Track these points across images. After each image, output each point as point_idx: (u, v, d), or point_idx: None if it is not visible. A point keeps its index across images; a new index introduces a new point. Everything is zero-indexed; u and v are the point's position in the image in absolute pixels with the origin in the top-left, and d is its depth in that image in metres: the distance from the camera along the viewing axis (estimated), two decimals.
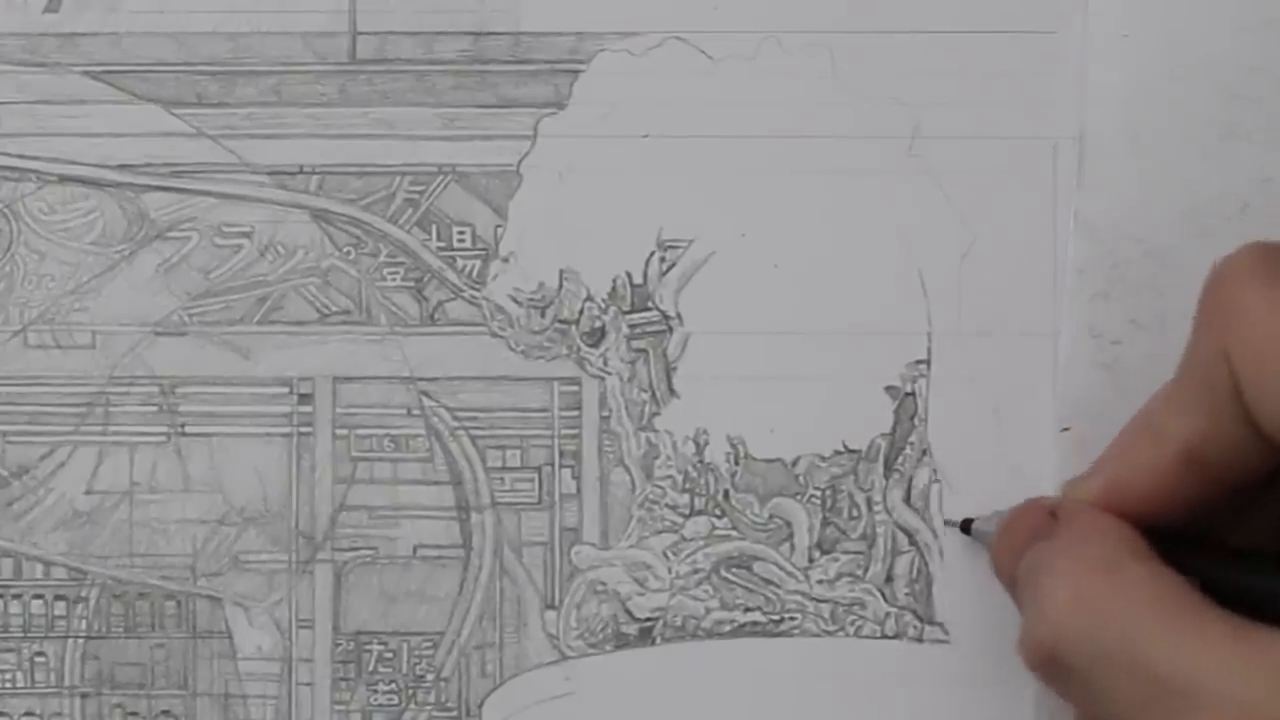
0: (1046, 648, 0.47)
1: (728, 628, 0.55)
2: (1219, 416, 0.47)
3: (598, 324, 0.55)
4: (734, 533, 0.55)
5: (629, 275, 0.55)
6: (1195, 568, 0.47)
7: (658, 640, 0.55)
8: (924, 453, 0.55)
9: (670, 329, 0.55)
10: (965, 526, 0.54)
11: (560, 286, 0.55)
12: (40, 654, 0.55)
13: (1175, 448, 0.48)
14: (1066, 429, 0.54)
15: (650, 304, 0.55)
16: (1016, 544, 0.50)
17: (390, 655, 0.55)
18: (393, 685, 0.55)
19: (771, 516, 0.55)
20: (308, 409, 0.55)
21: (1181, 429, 0.48)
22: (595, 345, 0.55)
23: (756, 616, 0.55)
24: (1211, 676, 0.44)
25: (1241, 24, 0.50)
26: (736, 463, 0.55)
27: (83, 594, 0.55)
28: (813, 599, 0.55)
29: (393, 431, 0.55)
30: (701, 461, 0.55)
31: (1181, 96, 0.54)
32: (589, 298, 0.55)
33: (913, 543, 0.55)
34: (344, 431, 0.55)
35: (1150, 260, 0.54)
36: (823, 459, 0.55)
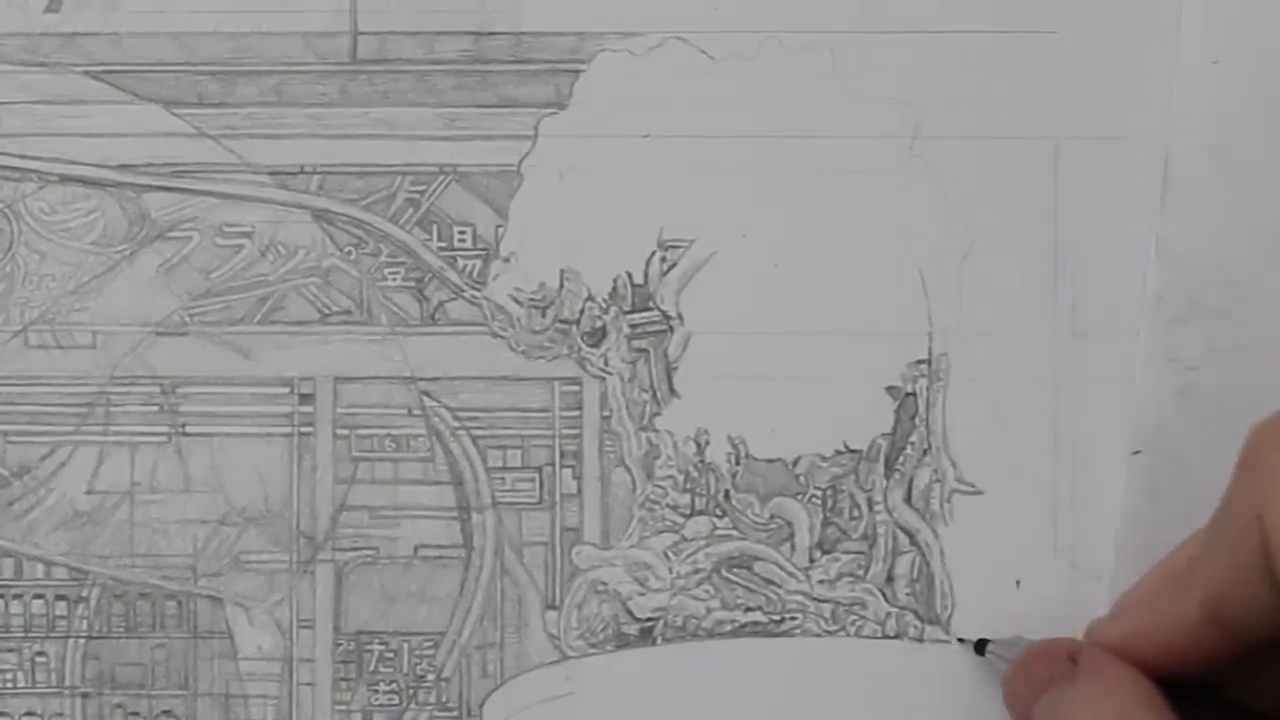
0: None
1: (728, 628, 0.55)
2: (1246, 577, 0.47)
3: (598, 324, 0.55)
4: (735, 533, 0.55)
5: (630, 275, 0.55)
6: None
7: (658, 640, 0.55)
8: (925, 452, 0.55)
9: (671, 329, 0.55)
10: (980, 647, 0.54)
11: (561, 286, 0.55)
12: (41, 654, 0.55)
13: (1199, 604, 0.48)
14: (1138, 452, 0.54)
15: (651, 304, 0.55)
16: (1034, 683, 0.51)
17: (391, 655, 0.55)
18: (393, 685, 0.55)
19: (772, 516, 0.55)
20: (308, 409, 0.55)
21: (1208, 585, 0.48)
22: (596, 345, 0.55)
23: (757, 616, 0.55)
24: None
25: None
26: (737, 463, 0.55)
27: (83, 594, 0.55)
28: (813, 599, 0.55)
29: (394, 431, 0.56)
30: (702, 461, 0.55)
31: (1268, 124, 0.53)
32: (590, 298, 0.55)
33: (913, 543, 0.55)
34: (345, 431, 0.55)
35: (1230, 287, 0.54)
36: (823, 459, 0.55)
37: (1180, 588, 0.49)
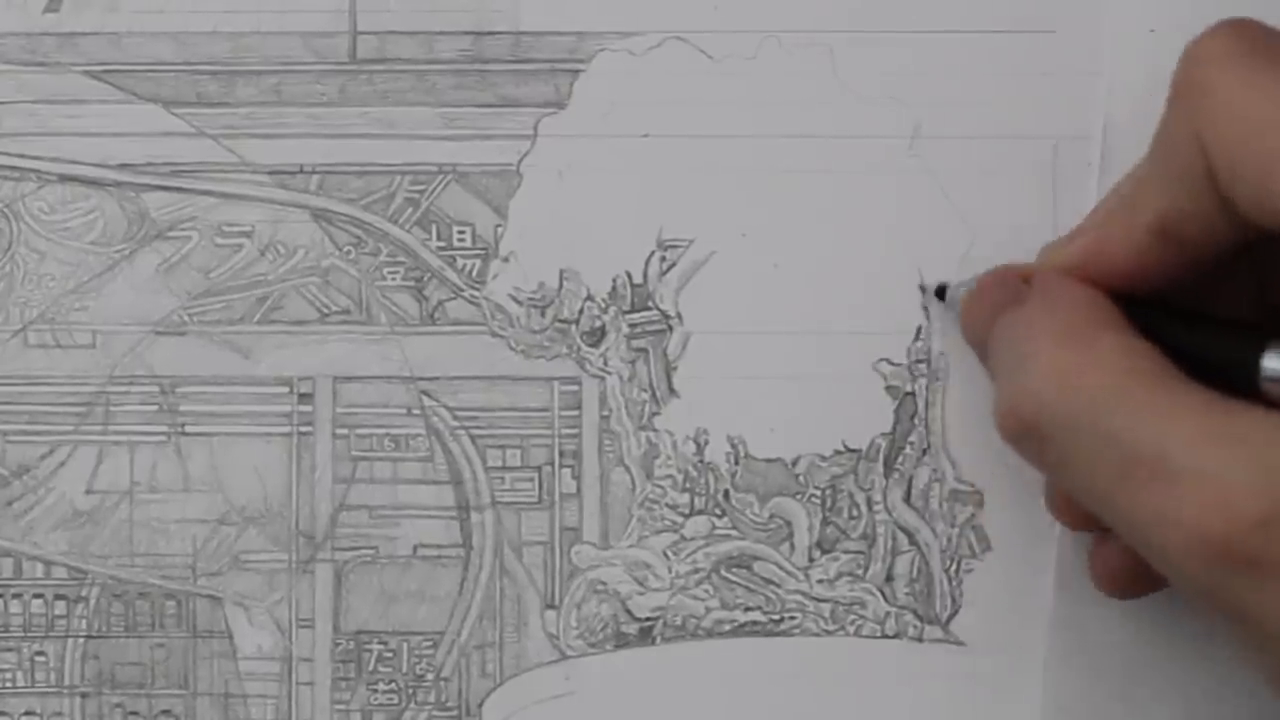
0: (1021, 418, 0.47)
1: (728, 627, 0.55)
2: (1191, 193, 0.47)
3: (598, 323, 0.55)
4: (734, 532, 0.55)
5: (629, 275, 0.55)
6: (1169, 336, 0.47)
7: (658, 640, 0.55)
8: (924, 452, 0.55)
9: (670, 328, 0.55)
10: (940, 292, 0.54)
11: (560, 286, 0.55)
12: (40, 653, 0.55)
13: (1148, 221, 0.48)
14: None
15: (650, 303, 0.55)
16: (989, 309, 0.51)
17: (390, 655, 0.55)
18: (393, 685, 0.55)
19: (772, 516, 0.55)
20: (308, 409, 0.55)
21: (1154, 205, 0.48)
22: (595, 345, 0.55)
23: (756, 616, 0.55)
24: (1182, 449, 0.44)
25: (1268, 18, 0.50)
26: (737, 462, 0.55)
27: (83, 593, 0.55)
28: (813, 598, 0.55)
29: (393, 431, 0.55)
30: (702, 461, 0.55)
31: None
32: (589, 297, 0.55)
33: (913, 542, 0.55)
34: (344, 431, 0.55)
35: None
36: (823, 458, 0.55)
37: (1129, 209, 0.49)
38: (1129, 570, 0.51)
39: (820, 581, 0.55)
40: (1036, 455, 0.48)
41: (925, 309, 0.55)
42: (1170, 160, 0.48)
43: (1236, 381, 0.46)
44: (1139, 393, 0.46)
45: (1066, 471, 0.47)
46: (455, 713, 0.55)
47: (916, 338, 0.55)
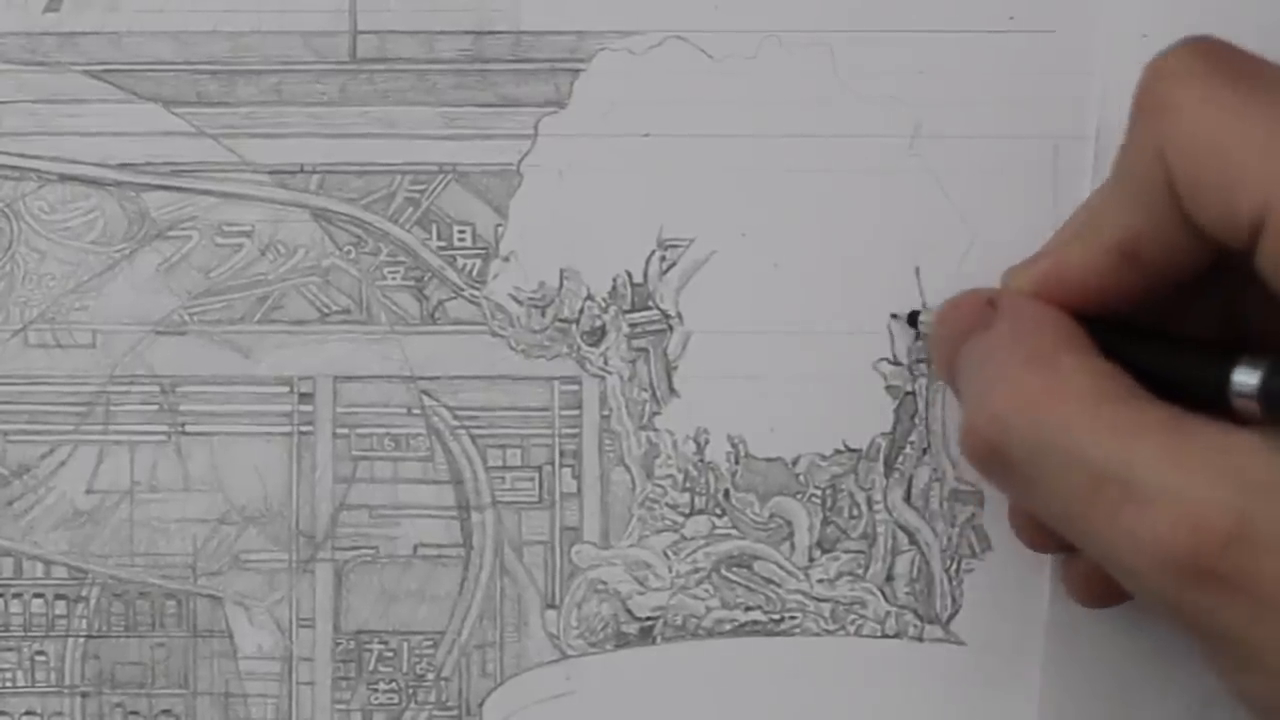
0: (986, 442, 0.47)
1: (728, 627, 0.55)
2: (1153, 212, 0.47)
3: (598, 323, 0.55)
4: (734, 532, 0.55)
5: (629, 274, 0.55)
6: (1133, 357, 0.47)
7: (658, 639, 0.55)
8: (924, 452, 0.55)
9: (670, 328, 0.55)
10: (912, 319, 0.54)
11: (560, 286, 0.55)
12: (40, 653, 0.55)
13: (1111, 242, 0.48)
14: None
15: (650, 303, 0.55)
16: (955, 333, 0.50)
17: (391, 654, 0.55)
18: (393, 684, 0.55)
19: (772, 515, 0.55)
20: (308, 408, 0.55)
21: (1117, 225, 0.48)
22: (595, 344, 0.55)
23: (757, 616, 0.55)
24: (1146, 468, 0.44)
25: (1261, 24, 0.50)
26: (737, 462, 0.55)
27: (83, 593, 0.55)
28: (813, 598, 0.55)
29: (393, 431, 0.55)
30: (702, 460, 0.55)
31: None
32: (589, 297, 0.55)
33: (913, 542, 0.55)
34: (344, 431, 0.55)
35: None
36: (823, 458, 0.55)
37: (1092, 229, 0.49)
38: (1100, 584, 0.51)
39: (820, 581, 0.55)
40: (1003, 479, 0.48)
41: (894, 337, 0.55)
42: (1132, 179, 0.48)
43: (1205, 399, 0.46)
44: (1105, 413, 0.45)
45: (1033, 494, 0.47)
46: (455, 712, 0.55)
47: (916, 338, 0.55)
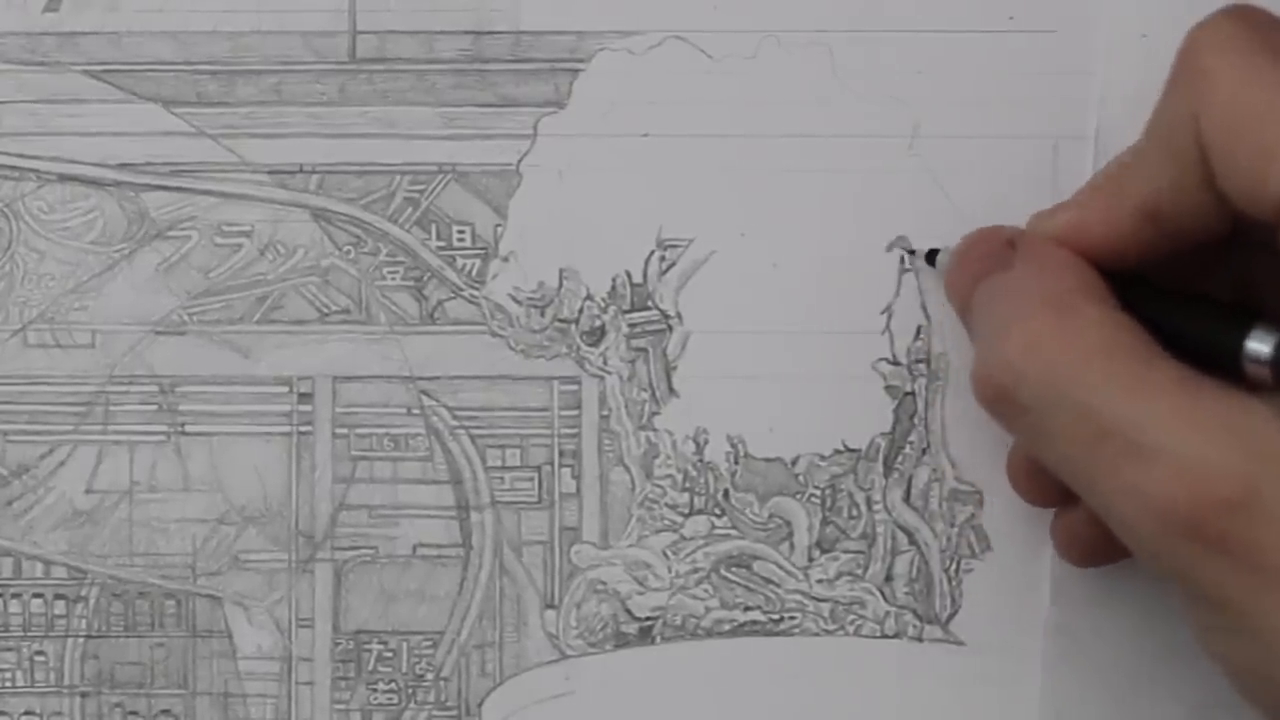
0: (997, 384, 0.47)
1: (727, 627, 0.55)
2: (1181, 177, 0.47)
3: (597, 323, 0.55)
4: (734, 532, 0.55)
5: (629, 274, 0.55)
6: (1153, 313, 0.47)
7: (657, 639, 0.55)
8: (924, 452, 0.55)
9: (670, 328, 0.55)
10: (930, 257, 0.54)
11: (560, 285, 0.55)
12: (40, 653, 0.55)
13: (1136, 201, 0.48)
14: None
15: (650, 303, 0.55)
16: (972, 270, 0.50)
17: (390, 654, 0.55)
18: (392, 684, 0.55)
19: (771, 516, 0.55)
20: (307, 408, 0.55)
21: (1143, 184, 0.48)
22: (595, 344, 0.55)
23: (756, 616, 0.55)
24: (1156, 426, 0.44)
25: None
26: (736, 462, 0.55)
27: (82, 593, 0.55)
28: (812, 598, 0.55)
29: (392, 431, 0.56)
30: (701, 461, 0.55)
31: None
32: (589, 297, 0.55)
33: (912, 542, 0.55)
34: (344, 431, 0.55)
35: None
36: (822, 458, 0.55)
37: (1117, 187, 0.49)
38: (1092, 540, 0.51)
39: (820, 581, 0.55)
40: (1010, 422, 0.48)
41: (916, 274, 0.55)
42: (1164, 143, 0.48)
43: (1218, 362, 0.46)
44: (1118, 366, 0.45)
45: (1040, 440, 0.47)
46: (455, 712, 0.55)
47: (916, 337, 0.55)
